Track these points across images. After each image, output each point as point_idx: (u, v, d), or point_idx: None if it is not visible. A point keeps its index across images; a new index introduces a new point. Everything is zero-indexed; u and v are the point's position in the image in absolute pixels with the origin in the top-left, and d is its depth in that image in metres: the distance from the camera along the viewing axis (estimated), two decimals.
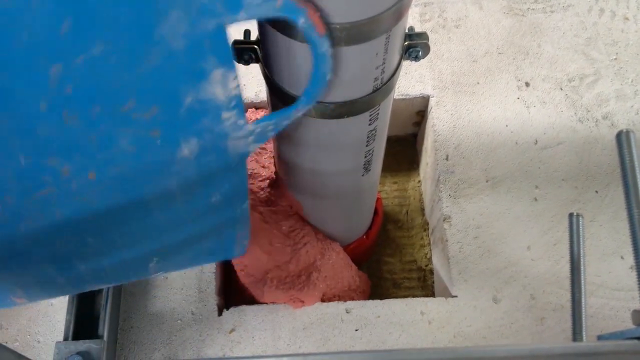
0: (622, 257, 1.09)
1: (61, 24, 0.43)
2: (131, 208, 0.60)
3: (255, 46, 0.74)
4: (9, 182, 0.52)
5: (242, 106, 0.54)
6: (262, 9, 0.48)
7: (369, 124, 0.78)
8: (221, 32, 0.48)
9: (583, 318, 0.64)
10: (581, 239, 0.69)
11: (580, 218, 0.69)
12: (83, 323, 1.00)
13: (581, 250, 0.68)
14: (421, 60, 0.75)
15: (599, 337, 0.58)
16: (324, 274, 1.07)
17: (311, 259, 1.06)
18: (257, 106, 1.25)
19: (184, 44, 0.47)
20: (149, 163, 0.55)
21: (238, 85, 0.52)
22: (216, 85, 0.51)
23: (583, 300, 0.66)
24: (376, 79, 0.69)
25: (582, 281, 0.65)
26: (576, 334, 0.64)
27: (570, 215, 0.70)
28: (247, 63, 0.75)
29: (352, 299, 1.14)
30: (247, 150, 0.59)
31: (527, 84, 1.26)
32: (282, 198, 1.05)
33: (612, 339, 0.55)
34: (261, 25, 0.67)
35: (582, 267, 0.67)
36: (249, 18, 0.49)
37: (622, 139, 0.58)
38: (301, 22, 0.51)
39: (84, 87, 0.47)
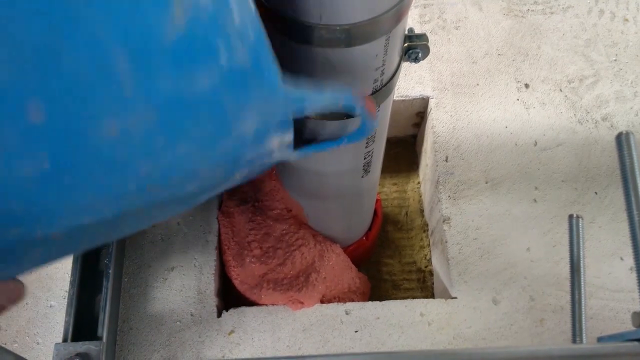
0: (621, 259, 1.09)
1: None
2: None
3: None
4: None
5: (292, 143, 0.55)
6: (325, 107, 0.52)
7: None
8: (287, 120, 0.51)
9: (583, 320, 0.64)
10: (581, 240, 0.69)
11: (580, 220, 0.69)
12: (82, 324, 1.00)
13: (581, 252, 0.68)
14: (421, 61, 0.75)
15: (599, 339, 0.58)
16: (322, 275, 1.06)
17: (309, 260, 1.06)
18: None
19: (255, 127, 0.48)
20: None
21: (292, 137, 0.54)
22: (273, 143, 0.52)
23: (583, 302, 0.65)
24: (375, 80, 0.69)
25: (582, 283, 0.65)
26: (576, 336, 0.64)
27: (570, 216, 0.70)
28: None
29: (352, 300, 1.14)
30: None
31: (526, 86, 1.26)
32: (278, 202, 1.05)
33: (611, 341, 0.55)
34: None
35: (581, 268, 0.67)
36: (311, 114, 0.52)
37: (622, 140, 0.58)
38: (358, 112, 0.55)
39: (162, 179, 0.46)
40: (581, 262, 0.67)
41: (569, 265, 1.07)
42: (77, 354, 0.94)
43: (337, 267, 1.11)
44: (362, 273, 1.21)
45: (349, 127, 0.73)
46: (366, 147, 0.84)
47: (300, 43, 0.61)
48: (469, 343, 1.03)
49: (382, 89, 0.72)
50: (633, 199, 0.59)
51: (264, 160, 0.55)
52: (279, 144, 0.53)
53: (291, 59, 0.66)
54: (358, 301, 1.12)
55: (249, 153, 0.51)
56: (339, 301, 1.11)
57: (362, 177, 0.92)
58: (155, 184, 0.44)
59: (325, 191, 0.95)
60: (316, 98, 0.52)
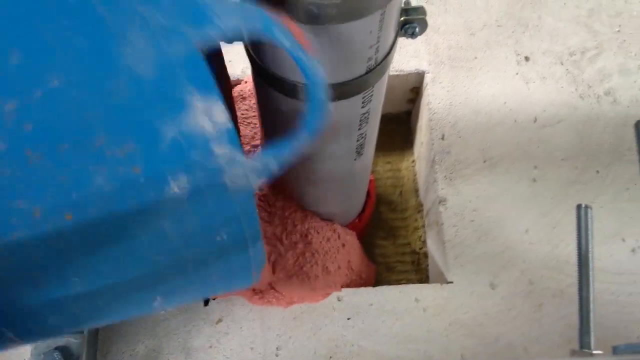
0: (623, 240, 1.06)
1: (8, 56, 0.37)
2: (121, 249, 0.55)
3: None
4: None
5: (237, 140, 0.49)
6: (231, 21, 0.44)
7: (362, 107, 0.73)
8: (194, 56, 0.43)
9: (591, 318, 0.60)
10: (589, 232, 0.64)
11: (589, 210, 0.64)
12: None
13: (589, 245, 0.63)
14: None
15: (615, 349, 0.54)
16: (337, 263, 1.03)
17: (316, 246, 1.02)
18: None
19: (153, 72, 0.42)
20: (133, 202, 0.50)
21: (229, 119, 0.47)
22: (200, 117, 0.45)
23: (591, 298, 0.61)
24: (370, 59, 0.64)
25: (591, 279, 0.61)
26: (584, 336, 0.60)
27: (579, 206, 0.65)
28: (230, 41, 0.69)
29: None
30: (250, 186, 0.53)
31: (526, 59, 1.20)
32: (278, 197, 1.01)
33: (629, 351, 0.51)
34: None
35: (590, 263, 0.62)
36: (221, 37, 0.45)
37: None
38: (285, 43, 0.46)
39: (45, 123, 0.42)
40: (590, 256, 0.62)
41: (569, 248, 1.04)
42: (56, 348, 0.90)
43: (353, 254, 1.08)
44: (371, 261, 1.19)
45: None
46: (359, 128, 0.79)
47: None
48: (466, 329, 0.99)
49: (377, 68, 0.67)
50: None
51: (205, 163, 0.49)
52: (211, 125, 0.46)
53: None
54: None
55: (165, 125, 0.45)
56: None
57: (355, 159, 0.87)
58: None
59: (316, 174, 0.90)
60: (221, 10, 0.44)
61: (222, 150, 0.49)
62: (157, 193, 0.50)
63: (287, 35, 0.47)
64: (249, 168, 0.51)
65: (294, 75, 0.65)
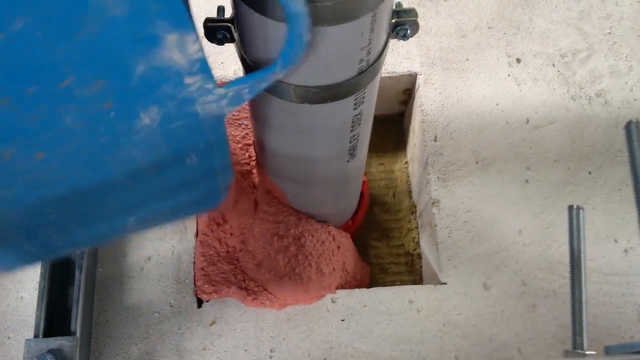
0: (615, 241, 1.06)
1: None
2: (97, 182, 0.55)
3: (230, 24, 0.68)
4: None
5: (208, 69, 0.48)
6: None
7: (354, 109, 0.73)
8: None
9: (584, 321, 0.60)
10: (582, 233, 0.64)
11: (581, 211, 0.65)
12: (54, 318, 0.95)
13: (582, 246, 0.63)
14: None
15: (607, 349, 0.54)
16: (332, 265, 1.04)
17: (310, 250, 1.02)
18: None
19: (124, 7, 0.41)
20: (105, 136, 0.50)
21: (200, 48, 0.46)
22: (172, 50, 0.44)
23: (584, 299, 0.61)
24: (361, 60, 0.64)
25: (583, 279, 0.61)
26: (576, 337, 0.60)
27: (570, 207, 0.65)
28: (221, 43, 0.69)
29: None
30: (222, 113, 0.54)
31: (518, 60, 1.21)
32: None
33: (620, 351, 0.51)
34: (235, 2, 0.61)
35: (582, 264, 0.62)
36: None
37: (632, 129, 0.53)
38: None
39: (11, 66, 0.41)
40: (582, 257, 0.63)
41: (561, 249, 1.05)
42: (49, 351, 0.89)
43: (348, 255, 1.08)
44: (365, 263, 1.19)
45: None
46: (352, 130, 0.79)
47: (278, 21, 0.55)
48: (460, 330, 0.99)
49: (369, 69, 0.67)
50: None
51: (177, 94, 0.49)
52: (182, 57, 0.45)
53: (266, 41, 0.60)
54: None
55: (137, 60, 0.44)
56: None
57: (348, 161, 0.87)
58: None
59: (309, 176, 0.90)
60: None
61: (193, 80, 0.48)
62: (129, 125, 0.49)
63: None
64: (221, 96, 0.52)
65: (283, 77, 0.65)
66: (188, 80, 0.48)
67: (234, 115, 1.09)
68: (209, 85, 0.50)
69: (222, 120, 0.56)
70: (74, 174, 0.53)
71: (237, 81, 0.53)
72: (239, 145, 1.09)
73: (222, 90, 0.51)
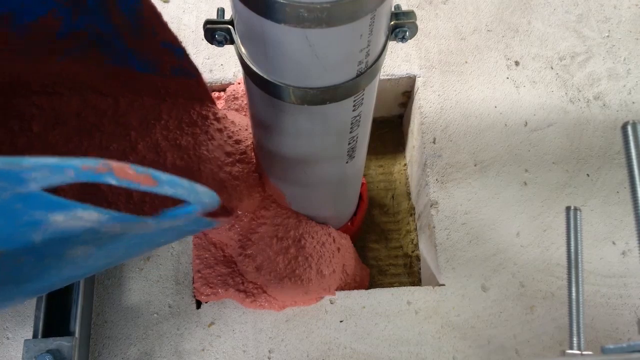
0: (613, 243, 1.06)
1: None
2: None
3: (229, 26, 0.68)
4: None
5: (124, 217, 0.50)
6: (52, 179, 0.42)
7: (353, 110, 0.73)
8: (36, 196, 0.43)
9: (581, 320, 0.61)
10: (579, 234, 0.64)
11: (578, 212, 0.65)
12: (53, 319, 0.95)
13: (579, 247, 0.64)
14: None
15: (603, 349, 0.54)
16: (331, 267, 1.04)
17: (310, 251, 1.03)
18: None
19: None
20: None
21: (99, 210, 0.47)
22: (68, 221, 0.46)
23: (581, 300, 0.62)
24: (360, 62, 0.64)
25: (580, 280, 0.61)
26: (573, 338, 0.60)
27: (568, 208, 0.65)
28: (220, 44, 0.70)
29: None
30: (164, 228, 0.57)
31: (516, 63, 1.21)
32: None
33: (617, 351, 0.51)
34: (234, 3, 0.61)
35: (580, 265, 0.63)
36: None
37: (627, 131, 0.53)
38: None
39: None
40: (579, 258, 0.63)
41: (559, 251, 1.05)
42: (48, 351, 0.90)
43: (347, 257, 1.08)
44: (364, 264, 1.19)
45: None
46: (350, 132, 0.79)
47: (276, 22, 0.56)
48: (458, 332, 1.00)
49: (368, 71, 0.67)
50: None
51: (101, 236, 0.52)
52: (83, 222, 0.48)
53: (266, 42, 0.60)
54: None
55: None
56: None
57: (347, 162, 0.87)
58: None
59: (308, 178, 0.90)
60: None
61: (109, 228, 0.51)
62: (61, 258, 0.53)
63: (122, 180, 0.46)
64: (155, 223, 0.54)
65: (282, 79, 0.65)
66: (105, 228, 0.50)
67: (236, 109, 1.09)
68: (135, 222, 0.52)
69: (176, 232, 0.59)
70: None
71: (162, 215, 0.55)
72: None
73: (154, 223, 0.53)
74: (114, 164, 0.42)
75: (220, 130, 0.95)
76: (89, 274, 0.72)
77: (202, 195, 0.51)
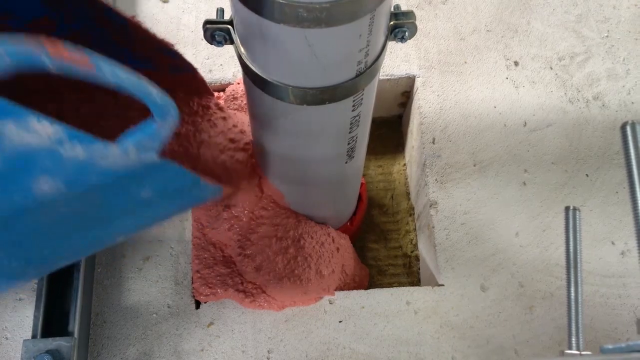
0: (612, 243, 1.07)
1: None
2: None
3: (229, 26, 0.68)
4: None
5: (83, 137, 0.50)
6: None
7: (352, 110, 0.73)
8: None
9: (580, 322, 0.61)
10: (578, 234, 0.64)
11: (577, 212, 0.65)
12: (52, 319, 0.95)
13: (578, 247, 0.64)
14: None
15: (602, 349, 0.54)
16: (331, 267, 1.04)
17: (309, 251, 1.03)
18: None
19: None
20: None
21: (54, 123, 0.47)
22: (20, 134, 0.46)
23: (580, 300, 0.62)
24: (359, 62, 0.64)
25: (579, 280, 0.61)
26: (572, 338, 0.60)
27: (567, 208, 0.65)
28: (220, 44, 0.70)
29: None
30: (142, 160, 0.56)
31: (516, 63, 1.21)
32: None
33: (616, 351, 0.52)
34: (233, 3, 0.61)
35: (579, 265, 0.63)
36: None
37: (626, 131, 0.53)
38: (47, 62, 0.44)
39: None
40: (578, 257, 0.63)
41: (558, 251, 1.05)
42: (47, 351, 0.89)
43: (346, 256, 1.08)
44: (363, 264, 1.19)
45: None
46: (350, 132, 0.79)
47: (276, 22, 0.56)
48: (457, 332, 1.00)
49: (367, 72, 0.67)
50: (639, 196, 0.54)
51: (62, 165, 0.51)
52: (36, 138, 0.48)
53: (265, 42, 0.60)
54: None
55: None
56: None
57: (346, 162, 0.87)
58: None
59: (308, 178, 0.90)
60: None
61: (71, 152, 0.50)
62: (27, 195, 0.52)
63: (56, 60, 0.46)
64: (122, 152, 0.53)
65: (281, 78, 0.65)
66: (66, 152, 0.50)
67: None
68: (99, 149, 0.52)
69: (158, 161, 0.58)
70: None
71: (129, 137, 0.55)
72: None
73: (115, 150, 0.53)
74: (47, 42, 0.42)
75: (224, 119, 0.96)
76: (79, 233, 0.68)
77: (151, 92, 0.50)
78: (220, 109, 0.96)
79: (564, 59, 1.22)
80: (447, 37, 1.24)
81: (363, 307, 1.02)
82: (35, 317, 0.93)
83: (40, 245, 0.62)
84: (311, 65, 0.62)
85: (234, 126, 0.97)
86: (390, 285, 1.25)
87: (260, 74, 0.67)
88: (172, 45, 0.78)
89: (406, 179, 1.34)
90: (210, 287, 1.01)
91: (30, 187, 0.51)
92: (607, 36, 1.24)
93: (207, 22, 0.68)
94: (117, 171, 0.55)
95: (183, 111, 0.91)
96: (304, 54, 0.60)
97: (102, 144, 0.52)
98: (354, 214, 1.16)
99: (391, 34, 0.68)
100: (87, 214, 0.61)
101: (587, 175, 1.12)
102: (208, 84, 0.94)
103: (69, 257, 0.72)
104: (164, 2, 1.26)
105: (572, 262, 0.63)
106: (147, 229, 0.79)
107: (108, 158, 0.53)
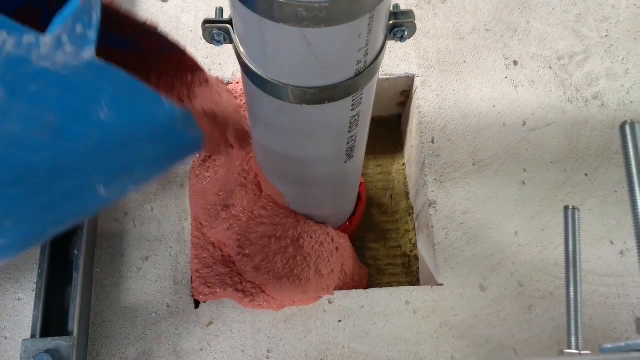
0: (611, 242, 1.07)
1: None
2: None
3: (228, 25, 0.68)
4: None
5: (10, 24, 0.45)
6: None
7: (352, 110, 0.73)
8: None
9: (579, 321, 0.61)
10: (577, 234, 0.64)
11: (577, 211, 0.65)
12: (52, 319, 0.95)
13: (577, 247, 0.64)
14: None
15: (602, 349, 0.54)
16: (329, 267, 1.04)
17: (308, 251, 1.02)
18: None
19: None
20: None
21: None
22: None
23: (579, 299, 0.62)
24: (359, 62, 0.64)
25: (578, 280, 0.61)
26: (571, 337, 0.60)
27: (566, 208, 0.65)
28: (219, 44, 0.70)
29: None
30: (85, 60, 0.51)
31: (515, 63, 1.21)
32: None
33: (615, 351, 0.52)
34: (232, 2, 0.61)
35: (578, 264, 0.63)
36: None
37: (626, 131, 0.53)
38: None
39: None
40: (577, 257, 0.63)
41: (558, 251, 1.05)
42: (47, 351, 0.89)
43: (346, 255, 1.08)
44: (362, 264, 1.19)
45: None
46: (349, 131, 0.79)
47: (275, 22, 0.56)
48: (456, 331, 1.00)
49: (366, 71, 0.67)
50: (639, 196, 0.54)
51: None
52: None
53: (264, 41, 0.60)
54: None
55: None
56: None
57: (345, 162, 0.87)
58: None
59: (307, 177, 0.90)
60: None
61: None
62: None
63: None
64: (55, 43, 0.49)
65: (280, 78, 0.65)
66: None
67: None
68: (28, 39, 0.47)
69: (107, 69, 0.53)
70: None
71: (57, 22, 0.50)
72: None
73: (47, 39, 0.48)
74: None
75: (218, 84, 0.93)
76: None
77: None
78: (213, 80, 0.92)
79: (563, 59, 1.22)
80: (446, 36, 1.24)
81: (362, 307, 1.02)
82: (35, 317, 0.93)
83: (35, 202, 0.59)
84: (310, 65, 0.62)
85: (228, 91, 0.93)
86: (389, 284, 1.25)
87: (259, 73, 0.66)
88: (156, 26, 0.77)
89: (405, 178, 1.35)
90: (209, 287, 1.01)
91: None
92: (606, 36, 1.24)
93: (207, 22, 0.68)
94: (58, 75, 0.50)
95: (175, 82, 0.88)
96: (304, 53, 0.60)
97: (33, 32, 0.47)
98: (353, 213, 1.16)
99: (390, 33, 0.68)
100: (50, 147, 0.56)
101: (586, 174, 1.12)
102: None
103: (65, 219, 0.68)
104: (163, 1, 1.26)
105: (571, 261, 0.63)
106: (131, 184, 0.71)
107: (41, 51, 0.48)
